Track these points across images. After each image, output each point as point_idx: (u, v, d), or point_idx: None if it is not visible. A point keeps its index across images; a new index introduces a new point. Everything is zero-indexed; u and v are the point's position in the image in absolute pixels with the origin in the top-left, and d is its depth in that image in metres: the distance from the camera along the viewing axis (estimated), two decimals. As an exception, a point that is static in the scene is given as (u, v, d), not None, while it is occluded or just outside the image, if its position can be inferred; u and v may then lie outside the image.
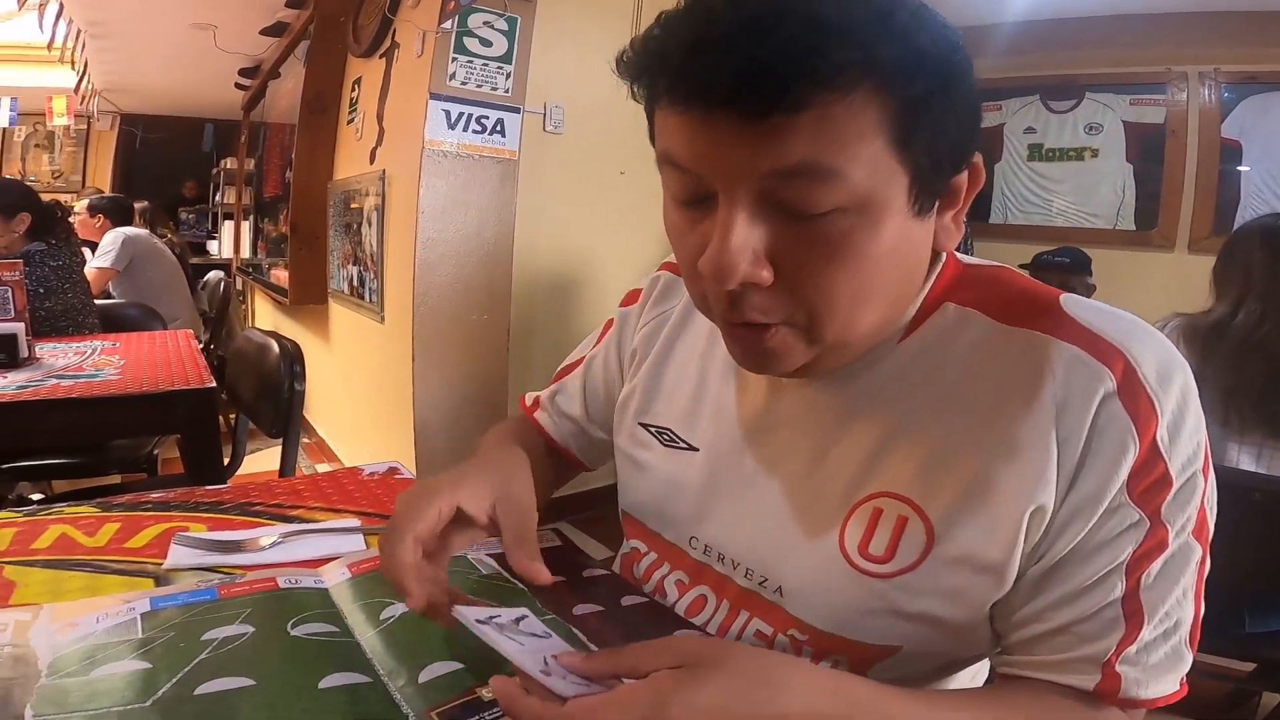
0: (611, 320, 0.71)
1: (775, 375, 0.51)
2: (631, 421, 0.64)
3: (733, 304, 0.43)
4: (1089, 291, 2.32)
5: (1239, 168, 2.63)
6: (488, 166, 2.03)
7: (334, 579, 0.57)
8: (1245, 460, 1.09)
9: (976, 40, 2.87)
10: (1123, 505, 0.41)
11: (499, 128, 2.00)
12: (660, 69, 0.40)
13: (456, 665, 0.46)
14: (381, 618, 0.51)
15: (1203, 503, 0.43)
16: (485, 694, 0.43)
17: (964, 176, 0.44)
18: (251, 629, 0.49)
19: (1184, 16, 2.62)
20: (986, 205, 3.16)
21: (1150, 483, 0.41)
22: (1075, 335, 0.43)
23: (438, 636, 0.49)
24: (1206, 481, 0.44)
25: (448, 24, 1.83)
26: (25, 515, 0.70)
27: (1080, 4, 2.72)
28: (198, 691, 0.42)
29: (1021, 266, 2.28)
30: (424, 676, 0.45)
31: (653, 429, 0.62)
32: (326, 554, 0.63)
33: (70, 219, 2.61)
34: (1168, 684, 0.43)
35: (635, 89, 0.43)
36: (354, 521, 0.70)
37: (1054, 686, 0.44)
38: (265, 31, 3.45)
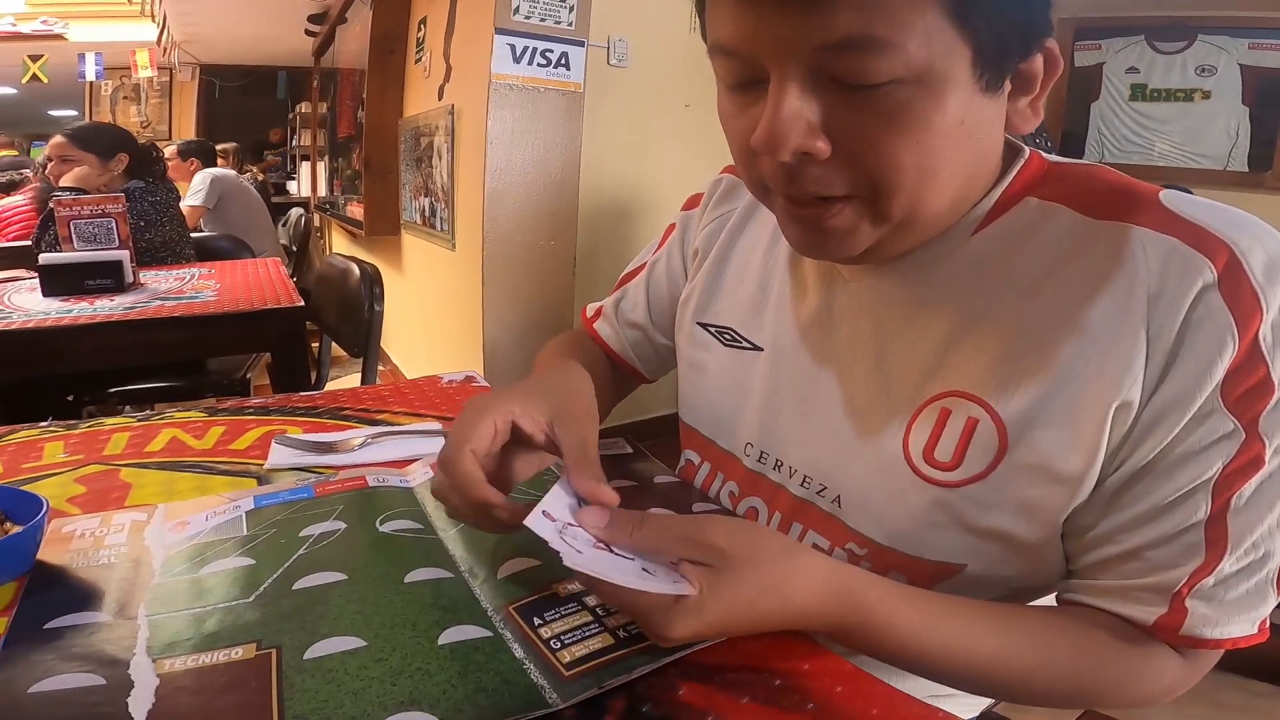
0: (673, 225, 0.70)
1: (838, 259, 0.48)
2: (691, 321, 0.62)
3: (791, 178, 0.41)
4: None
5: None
6: (553, 99, 2.02)
7: (418, 478, 0.59)
8: None
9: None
10: (1215, 411, 0.37)
11: (564, 61, 1.99)
12: None
13: (534, 562, 0.47)
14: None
15: None
16: (562, 590, 0.44)
17: (1038, 62, 0.41)
18: (344, 525, 0.51)
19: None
20: (1081, 145, 2.99)
21: (1249, 387, 0.37)
22: (1174, 226, 0.39)
23: (516, 536, 0.50)
24: None
25: None
26: (140, 420, 0.76)
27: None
28: (296, 586, 0.44)
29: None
30: (503, 573, 0.46)
31: (713, 329, 0.60)
32: (410, 455, 0.66)
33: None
34: (1242, 625, 0.39)
35: None
36: (435, 425, 0.74)
37: (1109, 618, 0.41)
38: None
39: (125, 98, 6.56)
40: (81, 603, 0.43)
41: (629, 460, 0.67)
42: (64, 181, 2.02)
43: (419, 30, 2.66)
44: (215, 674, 0.37)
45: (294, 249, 3.73)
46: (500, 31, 1.89)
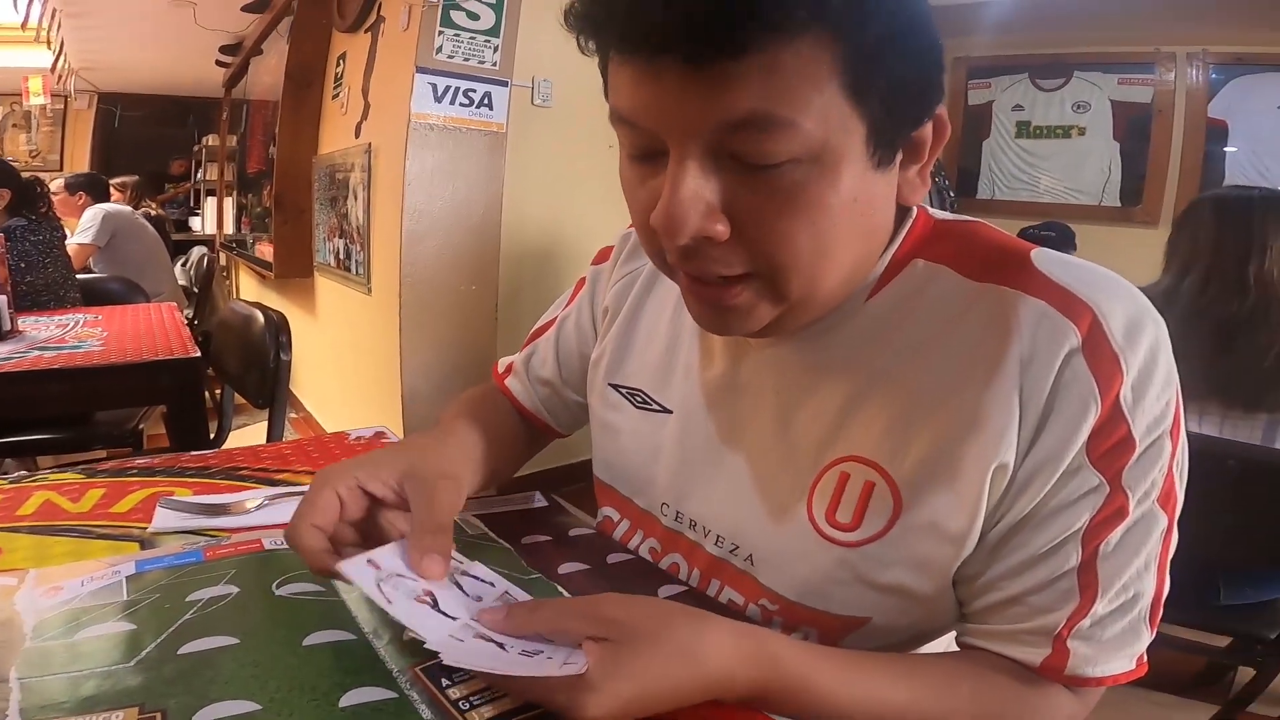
0: (583, 279, 0.69)
1: (738, 335, 0.49)
2: (602, 382, 0.62)
3: (689, 258, 0.41)
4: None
5: (1225, 148, 2.66)
6: (475, 139, 2.01)
7: None
8: (1207, 430, 1.09)
9: (967, 18, 2.87)
10: (1082, 468, 0.40)
11: (487, 101, 1.99)
12: (607, 16, 0.38)
13: None
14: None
15: (1170, 468, 0.41)
16: None
17: (928, 130, 0.42)
18: (236, 589, 0.49)
19: (1171, -2, 2.63)
20: (974, 181, 3.18)
21: (1112, 445, 0.40)
22: (1043, 289, 0.42)
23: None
24: (1176, 445, 0.42)
25: None
26: (10, 482, 0.69)
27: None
28: (181, 651, 0.42)
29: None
30: (408, 633, 0.44)
31: (624, 390, 0.60)
32: (313, 516, 0.63)
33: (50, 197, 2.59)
34: (1121, 662, 0.42)
35: (583, 41, 0.41)
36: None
37: (1003, 660, 0.43)
38: (247, 8, 3.40)
39: (15, 125, 6.14)
40: None
41: (544, 514, 0.66)
42: None
43: (338, 65, 2.61)
44: None
45: (195, 290, 3.50)
46: (422, 70, 1.87)
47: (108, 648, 0.43)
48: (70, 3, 3.50)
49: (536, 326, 0.73)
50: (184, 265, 3.74)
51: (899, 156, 0.42)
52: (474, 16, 1.93)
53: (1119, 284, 0.43)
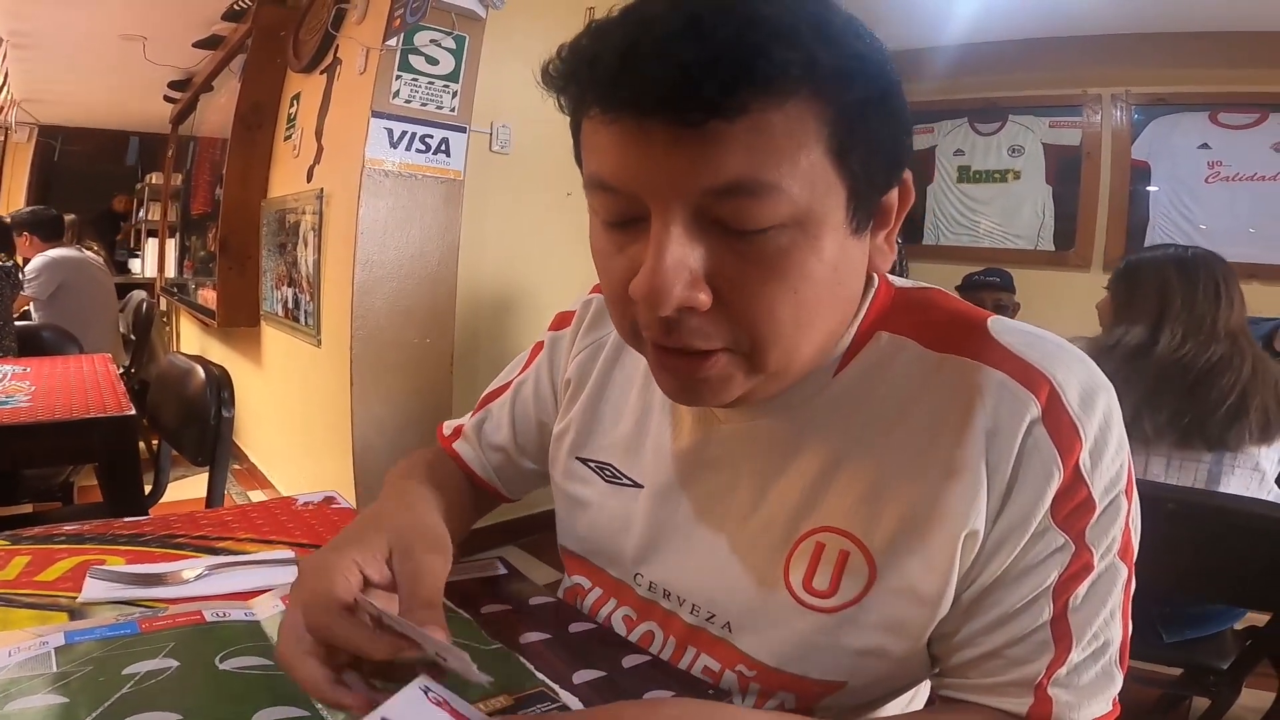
0: (540, 344, 0.68)
1: (709, 406, 0.49)
2: (567, 457, 0.61)
3: (668, 330, 0.40)
4: (1016, 309, 2.44)
5: (1148, 188, 2.78)
6: (431, 186, 2.00)
7: (267, 611, 0.54)
8: (1155, 467, 1.18)
9: (910, 64, 2.98)
10: (1048, 530, 0.42)
11: (444, 147, 1.98)
12: (590, 77, 0.37)
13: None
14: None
15: (1127, 524, 0.44)
16: None
17: (894, 195, 0.43)
18: (176, 663, 0.46)
19: (1098, 39, 2.75)
20: (919, 227, 3.27)
21: (1074, 507, 0.42)
22: (1002, 360, 0.43)
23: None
24: (1130, 503, 0.44)
25: (393, 41, 1.81)
26: None
27: (1005, 27, 2.83)
28: None
29: (955, 288, 2.39)
30: None
31: (592, 464, 0.60)
32: (259, 586, 0.59)
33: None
34: (1099, 705, 0.44)
35: (561, 101, 0.41)
36: (288, 553, 0.66)
37: (990, 711, 0.44)
38: (199, 44, 3.35)
39: None
40: None
41: (503, 581, 0.65)
42: None
43: (291, 106, 2.56)
44: None
45: (133, 337, 3.34)
46: (377, 115, 1.86)
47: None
48: (16, 33, 3.42)
49: (489, 390, 0.71)
50: (121, 310, 3.57)
51: (871, 223, 0.43)
52: (433, 61, 1.93)
53: (1072, 353, 0.45)
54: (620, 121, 0.37)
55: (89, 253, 3.30)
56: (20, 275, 2.56)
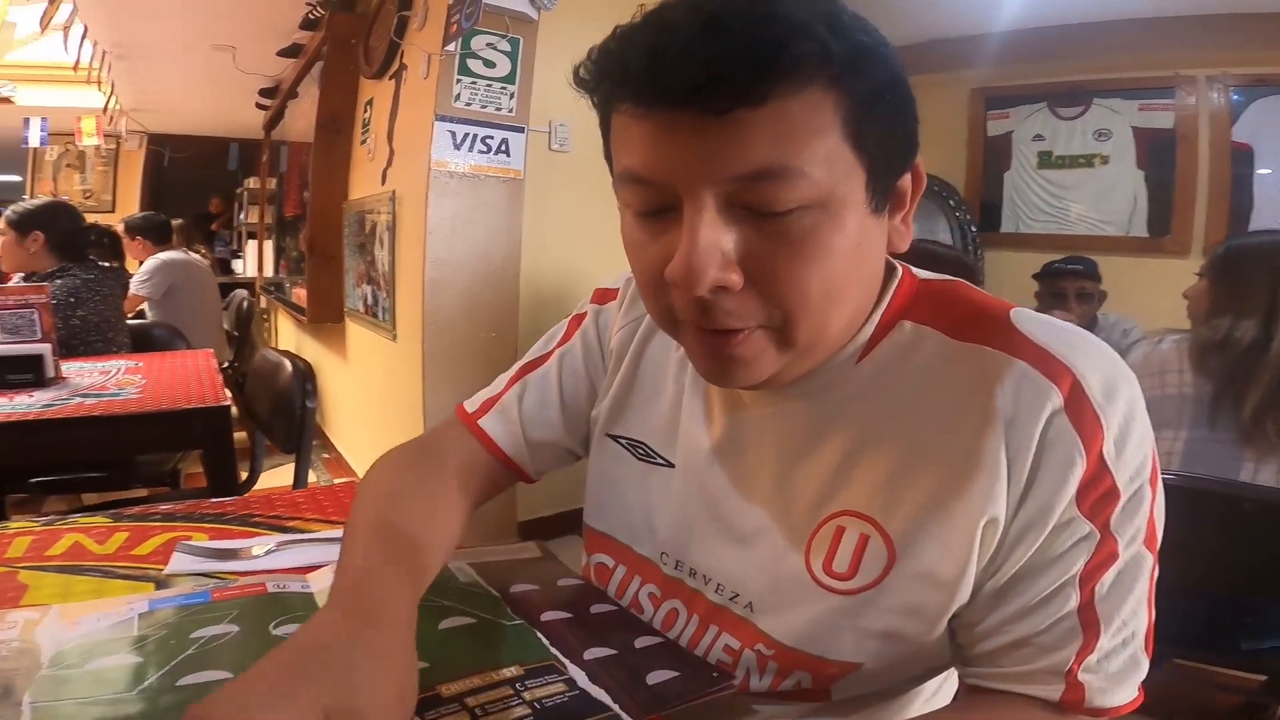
0: (580, 315, 0.67)
1: (741, 386, 0.49)
2: (600, 433, 0.63)
3: (704, 310, 0.42)
4: (1101, 298, 2.30)
5: (1252, 171, 2.58)
6: (494, 186, 2.07)
7: (321, 584, 0.59)
8: (1264, 477, 1.10)
9: (983, 49, 2.87)
10: (1073, 519, 0.42)
11: (504, 147, 2.05)
12: (621, 76, 0.41)
13: (422, 664, 0.47)
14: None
15: (1151, 512, 0.44)
16: (445, 691, 0.45)
17: (907, 179, 0.46)
18: (237, 628, 0.52)
19: (1190, 20, 2.58)
20: (997, 215, 3.14)
21: (1098, 496, 0.42)
22: (1024, 350, 0.44)
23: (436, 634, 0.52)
24: (1155, 492, 0.45)
25: (451, 46, 1.88)
26: (43, 524, 0.74)
27: (1085, 9, 2.69)
28: (179, 683, 0.45)
29: (1035, 276, 2.27)
30: None
31: (624, 441, 0.61)
32: (317, 561, 0.65)
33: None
34: (1128, 691, 0.45)
35: (594, 101, 0.44)
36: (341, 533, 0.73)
37: (1022, 698, 0.45)
38: (282, 53, 3.53)
39: (69, 165, 6.40)
40: None
41: (536, 564, 0.68)
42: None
43: (365, 111, 2.70)
44: None
45: (236, 334, 3.62)
46: (441, 118, 1.94)
47: (115, 678, 0.46)
48: (118, 45, 3.66)
49: (525, 362, 0.68)
50: (225, 308, 3.85)
51: (888, 205, 0.45)
52: (490, 64, 2.00)
53: (1094, 344, 0.45)
54: (651, 116, 0.40)
55: (195, 255, 3.60)
56: (127, 277, 2.82)
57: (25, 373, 1.55)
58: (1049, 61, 2.91)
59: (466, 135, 1.98)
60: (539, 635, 0.53)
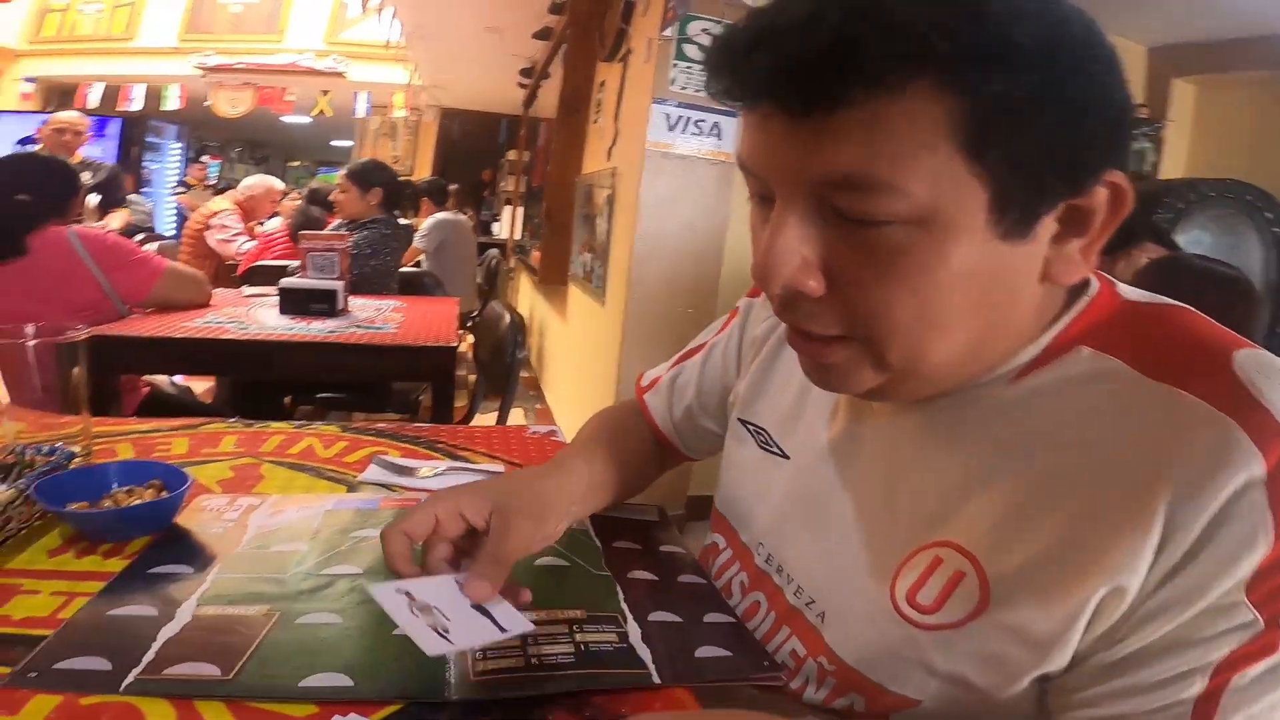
0: (737, 308, 0.70)
1: (846, 393, 0.48)
2: (734, 417, 0.64)
3: (785, 309, 0.41)
4: None
5: None
6: (704, 168, 2.12)
7: None
8: None
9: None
10: (1235, 604, 0.35)
11: (715, 131, 2.09)
12: (728, 66, 0.39)
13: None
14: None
15: None
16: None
17: (1097, 199, 0.38)
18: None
19: None
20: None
21: (1276, 586, 0.35)
22: (1235, 403, 0.36)
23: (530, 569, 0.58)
24: None
25: (668, 31, 1.96)
26: (295, 427, 0.94)
27: None
28: (323, 571, 0.55)
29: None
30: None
31: (751, 427, 0.61)
32: (469, 487, 0.77)
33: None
34: None
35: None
36: (500, 467, 0.85)
37: None
38: (536, 35, 3.84)
39: (384, 135, 7.74)
40: (179, 557, 0.57)
41: (649, 528, 0.70)
42: (337, 209, 2.44)
43: (598, 92, 2.91)
44: (227, 620, 0.48)
45: (486, 288, 4.18)
46: (657, 101, 2.04)
47: (282, 561, 0.56)
48: (417, 26, 4.23)
49: (689, 348, 0.75)
50: (480, 265, 4.46)
51: (1048, 228, 0.39)
52: (705, 49, 2.04)
53: None
54: (751, 108, 0.39)
55: (463, 217, 4.20)
56: (412, 231, 3.38)
57: (322, 304, 1.91)
58: None
59: (680, 118, 2.05)
60: (618, 589, 0.57)
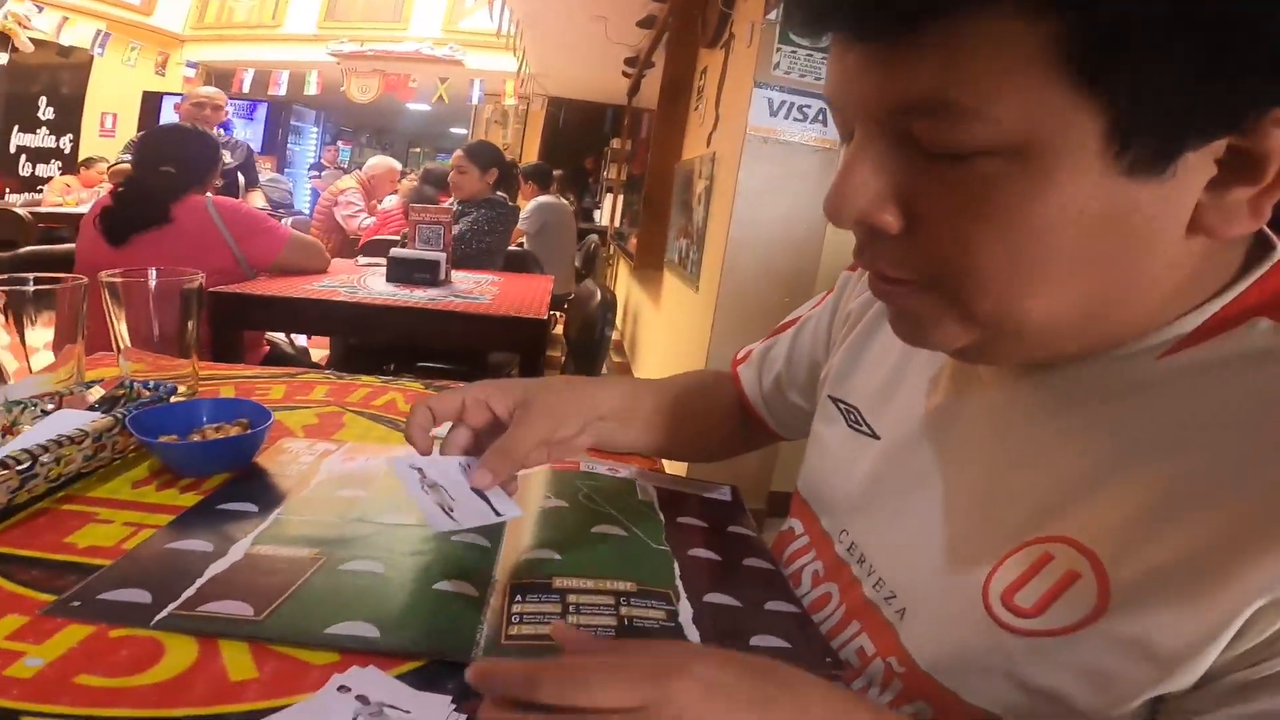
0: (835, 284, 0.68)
1: (937, 350, 0.42)
2: (824, 394, 0.61)
3: (861, 250, 0.38)
4: None
5: None
6: (806, 155, 2.05)
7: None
8: None
9: None
10: None
11: (820, 117, 2.01)
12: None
13: (553, 556, 0.53)
14: (544, 508, 0.62)
15: None
16: (557, 583, 0.50)
17: (1272, 140, 0.31)
18: None
19: None
20: None
21: None
22: None
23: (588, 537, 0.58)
24: None
25: (772, 15, 1.89)
26: (382, 381, 0.98)
27: None
28: (376, 519, 0.56)
29: None
30: (528, 554, 0.53)
31: (841, 405, 0.58)
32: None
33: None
34: None
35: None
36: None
37: None
38: (640, 24, 3.87)
39: (495, 121, 8.07)
40: (249, 496, 0.59)
41: (719, 506, 0.68)
42: (453, 188, 2.58)
43: (700, 79, 2.89)
44: (275, 561, 0.49)
45: (583, 271, 4.27)
46: (759, 85, 1.98)
47: (342, 508, 0.57)
48: (527, 15, 4.34)
49: (784, 321, 0.74)
50: (579, 249, 4.57)
51: (1181, 168, 0.32)
52: (812, 34, 1.97)
53: None
54: (832, 40, 0.37)
55: (564, 201, 4.31)
56: (517, 213, 3.49)
57: (425, 273, 2.02)
58: None
59: (783, 103, 1.98)
60: (675, 565, 0.55)
